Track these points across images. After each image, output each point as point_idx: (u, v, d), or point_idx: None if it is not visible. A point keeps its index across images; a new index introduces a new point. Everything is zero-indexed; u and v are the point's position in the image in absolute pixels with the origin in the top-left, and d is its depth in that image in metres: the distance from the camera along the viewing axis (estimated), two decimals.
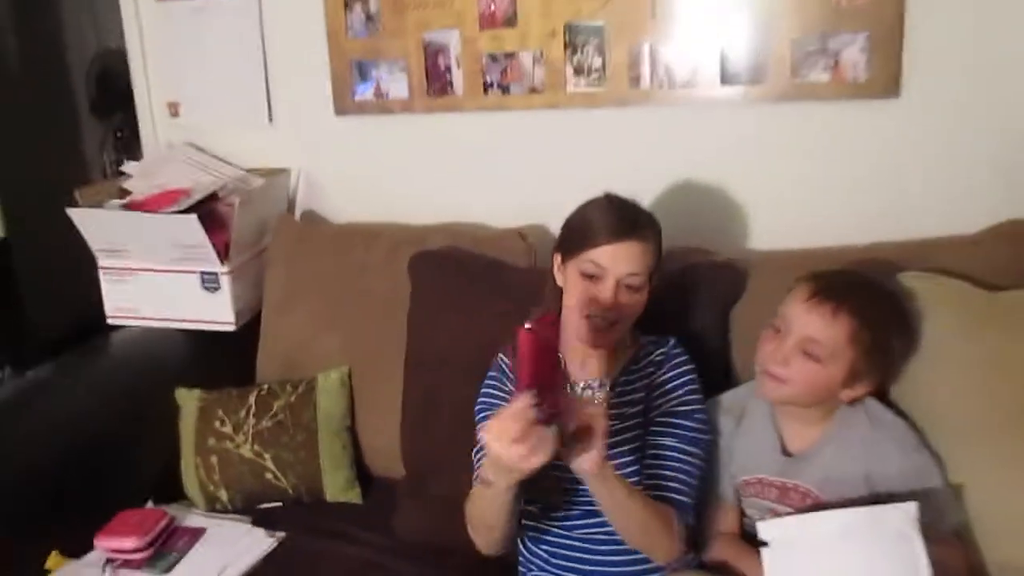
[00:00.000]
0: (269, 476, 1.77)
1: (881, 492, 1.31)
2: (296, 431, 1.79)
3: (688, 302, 1.63)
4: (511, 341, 1.42)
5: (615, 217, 1.35)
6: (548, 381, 1.09)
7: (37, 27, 3.62)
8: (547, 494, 1.38)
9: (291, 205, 2.20)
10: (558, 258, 1.41)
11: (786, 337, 1.33)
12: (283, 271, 1.98)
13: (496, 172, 2.01)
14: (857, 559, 1.16)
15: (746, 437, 1.44)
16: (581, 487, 1.34)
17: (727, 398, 1.48)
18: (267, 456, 1.77)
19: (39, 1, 3.60)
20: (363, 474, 1.85)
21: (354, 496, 1.80)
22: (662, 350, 1.44)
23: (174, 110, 2.26)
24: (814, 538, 1.18)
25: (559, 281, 1.41)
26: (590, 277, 1.34)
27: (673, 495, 1.32)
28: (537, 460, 1.08)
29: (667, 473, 1.33)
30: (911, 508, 1.16)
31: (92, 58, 3.71)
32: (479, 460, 1.44)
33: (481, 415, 1.46)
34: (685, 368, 1.43)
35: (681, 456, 1.35)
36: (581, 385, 1.42)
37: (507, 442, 1.06)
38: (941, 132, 1.71)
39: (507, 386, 1.45)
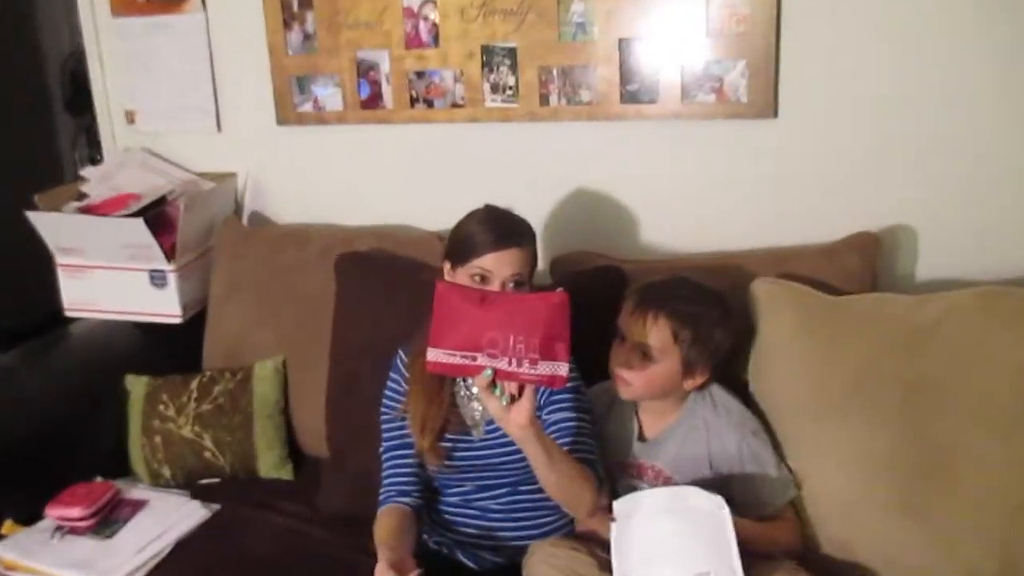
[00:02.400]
0: (208, 455, 1.97)
1: (723, 470, 1.52)
2: (234, 414, 1.98)
3: (579, 301, 1.81)
4: (413, 341, 1.63)
5: (498, 228, 1.52)
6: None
7: (12, 25, 3.75)
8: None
9: (239, 207, 2.38)
10: (447, 265, 1.58)
11: (625, 343, 1.54)
12: (226, 269, 2.17)
13: (421, 179, 2.19)
14: (673, 530, 1.36)
15: (613, 424, 1.64)
16: (474, 461, 1.55)
17: (599, 388, 1.67)
18: (206, 436, 1.96)
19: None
20: (296, 453, 2.04)
21: (286, 473, 2.00)
22: None
23: (131, 118, 2.43)
24: (643, 513, 1.38)
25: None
26: (480, 281, 1.52)
27: (585, 454, 1.49)
28: None
29: (572, 439, 1.51)
30: (717, 497, 1.36)
31: (67, 56, 3.84)
32: (387, 457, 1.63)
33: (384, 414, 1.65)
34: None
35: (579, 423, 1.54)
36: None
37: None
38: (812, 149, 1.90)
39: (402, 386, 1.63)
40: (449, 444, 1.58)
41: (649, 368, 1.52)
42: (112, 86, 2.44)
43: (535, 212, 2.03)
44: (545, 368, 1.31)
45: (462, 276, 1.53)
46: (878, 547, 1.48)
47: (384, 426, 1.65)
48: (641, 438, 1.60)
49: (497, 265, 1.50)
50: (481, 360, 1.31)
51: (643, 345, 1.52)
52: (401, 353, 1.68)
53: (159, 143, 2.41)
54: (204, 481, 1.99)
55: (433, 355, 1.34)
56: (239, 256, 2.16)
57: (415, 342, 1.64)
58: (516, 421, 1.34)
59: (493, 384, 1.33)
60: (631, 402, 1.61)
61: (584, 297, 1.79)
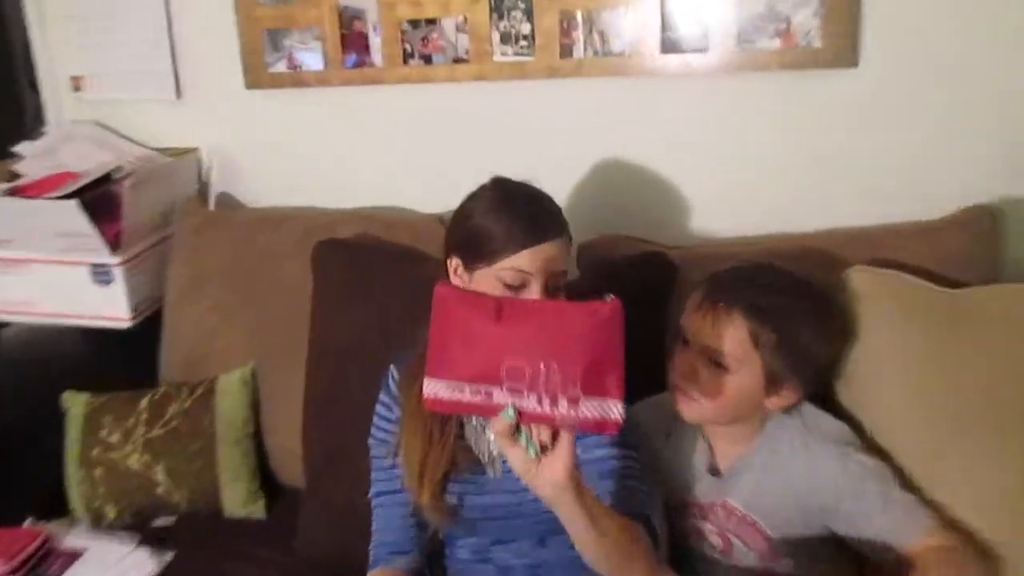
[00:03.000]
0: (160, 490, 1.61)
1: (821, 504, 1.17)
2: (191, 439, 1.63)
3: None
4: (408, 354, 1.27)
5: (532, 215, 1.16)
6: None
7: None
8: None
9: (203, 188, 2.02)
10: (457, 264, 1.22)
11: (689, 349, 1.19)
12: (186, 261, 1.81)
13: (419, 150, 1.84)
14: None
15: (675, 455, 1.28)
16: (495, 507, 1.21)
17: (653, 406, 1.31)
18: (158, 467, 1.61)
19: None
20: (269, 484, 1.69)
21: (256, 510, 1.64)
22: None
23: (77, 84, 2.07)
24: None
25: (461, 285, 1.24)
26: (514, 285, 1.15)
27: (635, 507, 1.14)
28: None
29: (617, 485, 1.17)
30: None
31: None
32: (377, 504, 1.29)
33: (375, 453, 1.31)
34: None
35: (625, 463, 1.19)
36: None
37: None
38: (904, 105, 1.54)
39: (394, 414, 1.28)
40: (458, 490, 1.23)
41: (721, 381, 1.17)
42: (55, 49, 2.08)
43: (555, 188, 1.62)
44: (590, 408, 0.94)
45: (486, 281, 1.16)
46: None
47: (373, 464, 1.31)
48: (713, 471, 1.25)
49: (536, 263, 1.14)
50: (499, 397, 0.95)
51: (713, 351, 1.17)
52: (393, 369, 1.32)
53: (111, 114, 2.06)
54: (157, 523, 1.64)
55: (432, 388, 0.97)
56: (202, 246, 1.81)
57: (410, 356, 1.29)
58: (549, 479, 0.97)
59: (517, 429, 0.97)
60: (696, 425, 1.25)
61: (623, 292, 1.46)
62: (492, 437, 1.25)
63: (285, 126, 1.93)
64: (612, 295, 0.96)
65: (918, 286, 1.27)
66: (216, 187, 2.03)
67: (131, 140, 2.02)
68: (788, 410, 1.21)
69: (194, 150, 1.99)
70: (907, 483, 1.18)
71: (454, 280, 1.22)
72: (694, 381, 1.19)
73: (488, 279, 1.15)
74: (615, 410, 0.94)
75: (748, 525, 1.22)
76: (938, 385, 1.21)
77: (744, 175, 1.64)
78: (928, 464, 1.19)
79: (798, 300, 1.19)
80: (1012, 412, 1.17)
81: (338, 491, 1.49)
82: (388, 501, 1.28)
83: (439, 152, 1.82)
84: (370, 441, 1.32)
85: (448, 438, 1.24)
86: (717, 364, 1.17)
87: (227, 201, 2.03)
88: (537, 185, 1.24)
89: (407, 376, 1.28)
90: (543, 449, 0.96)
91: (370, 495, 1.30)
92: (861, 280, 1.29)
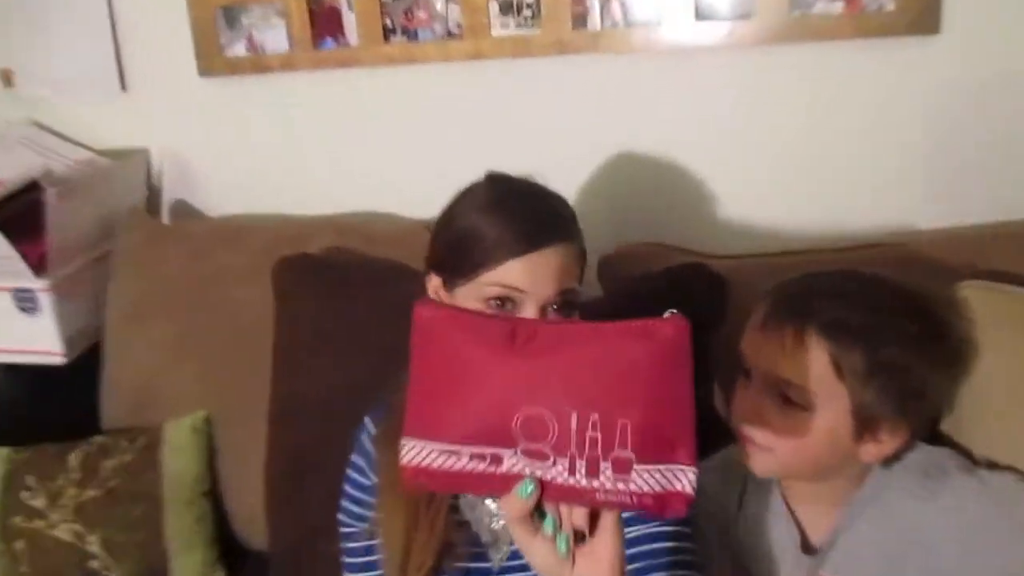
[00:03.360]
0: (96, 564, 1.33)
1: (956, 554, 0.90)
2: (134, 502, 1.35)
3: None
4: (388, 404, 1.00)
5: (522, 217, 0.89)
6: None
7: None
8: None
9: (155, 196, 1.74)
10: (436, 282, 0.95)
11: (754, 383, 0.93)
12: (130, 284, 1.52)
13: (403, 144, 1.57)
14: None
15: (752, 527, 1.00)
16: None
17: (717, 469, 1.03)
18: (92, 538, 1.33)
19: None
20: (231, 550, 1.41)
21: None
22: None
23: (8, 79, 1.79)
24: None
25: None
26: (501, 303, 0.89)
27: None
28: None
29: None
30: None
31: None
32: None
33: (346, 530, 1.03)
34: None
35: (676, 544, 0.91)
36: None
37: None
38: (997, 79, 1.27)
39: (371, 480, 1.00)
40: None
41: (797, 422, 0.90)
42: None
43: (567, 190, 1.35)
44: (648, 479, 0.67)
45: (468, 299, 0.90)
46: None
47: (344, 548, 1.02)
48: (806, 548, 0.97)
49: (531, 278, 0.87)
50: (512, 463, 0.68)
51: (784, 383, 0.90)
52: (369, 423, 1.04)
53: (48, 112, 1.78)
54: None
55: (413, 452, 0.69)
56: (147, 265, 1.53)
57: (392, 405, 1.01)
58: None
59: (539, 511, 0.68)
60: (775, 487, 0.98)
61: (654, 313, 1.18)
62: (495, 507, 0.98)
63: (246, 119, 1.65)
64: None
65: None
66: (169, 194, 1.75)
67: (72, 141, 1.74)
68: (889, 462, 0.93)
69: (141, 151, 1.71)
70: None
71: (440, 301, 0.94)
72: (762, 424, 0.91)
73: (470, 299, 0.89)
74: (685, 480, 0.67)
75: None
76: None
77: (799, 168, 1.37)
78: None
79: (895, 314, 0.91)
80: None
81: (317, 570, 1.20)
82: None
83: (427, 146, 1.55)
84: (339, 516, 1.04)
85: (440, 512, 0.96)
86: (789, 401, 0.90)
87: (183, 210, 1.75)
88: (543, 183, 0.97)
89: (387, 432, 1.00)
90: (578, 538, 0.70)
91: None
92: (974, 298, 1.00)
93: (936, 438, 1.01)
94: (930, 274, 1.09)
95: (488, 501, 0.99)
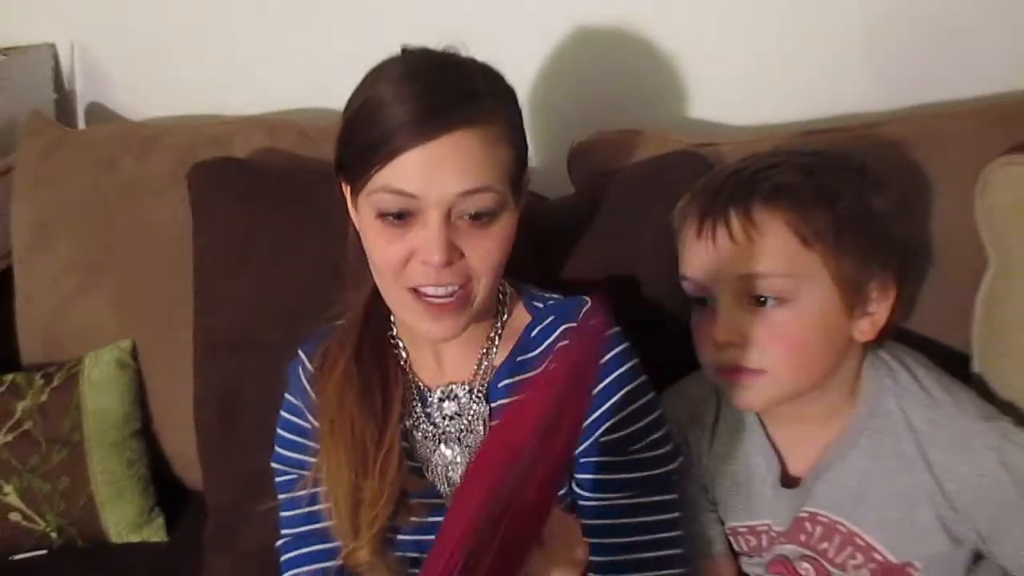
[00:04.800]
0: (16, 517, 1.19)
1: (962, 506, 0.79)
2: (53, 446, 1.20)
3: (623, 223, 1.02)
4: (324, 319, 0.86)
5: (416, 96, 0.72)
6: None
7: None
8: None
9: (65, 99, 1.54)
10: (346, 189, 0.79)
11: (718, 303, 0.80)
12: (32, 199, 1.33)
13: (342, 21, 1.35)
14: None
15: (725, 463, 0.87)
16: None
17: (687, 398, 0.90)
18: (8, 488, 1.18)
19: None
20: (170, 489, 1.28)
21: (153, 532, 1.24)
22: (571, 325, 0.82)
23: None
24: None
25: (357, 223, 0.79)
26: (396, 217, 0.73)
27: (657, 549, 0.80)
28: None
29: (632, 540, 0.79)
30: None
31: None
32: (288, 550, 0.88)
33: (281, 477, 0.89)
34: (617, 360, 0.82)
35: (649, 514, 0.80)
36: (437, 393, 0.83)
37: None
38: None
39: (309, 423, 0.86)
40: (413, 537, 0.82)
41: (780, 320, 0.78)
42: None
43: (531, 68, 1.28)
44: None
45: (365, 209, 0.75)
46: None
47: (283, 495, 0.89)
48: (786, 481, 0.86)
49: (426, 177, 0.71)
50: None
51: (749, 280, 0.78)
52: (303, 357, 0.89)
53: None
54: (20, 556, 1.21)
55: None
56: (52, 177, 1.33)
57: (328, 336, 0.87)
58: None
59: None
60: (753, 414, 0.86)
61: (638, 213, 1.02)
62: (450, 455, 0.84)
63: (168, 6, 1.43)
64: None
65: None
66: (83, 96, 1.55)
67: None
68: (879, 344, 0.83)
69: (46, 46, 1.50)
70: None
71: (352, 214, 0.80)
72: (744, 346, 0.79)
73: (366, 211, 0.75)
74: None
75: (850, 544, 0.82)
76: None
77: (781, 40, 1.20)
78: None
79: (831, 170, 0.82)
80: None
81: (244, 533, 1.07)
82: (305, 556, 0.86)
83: (369, 21, 1.33)
84: (273, 464, 0.89)
85: (391, 458, 0.82)
86: (762, 300, 0.78)
87: (100, 114, 1.55)
88: (498, 64, 0.79)
89: (326, 367, 0.85)
90: None
91: (278, 544, 0.88)
92: (1012, 178, 0.83)
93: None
94: (935, 156, 0.93)
95: (443, 447, 0.85)
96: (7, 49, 1.48)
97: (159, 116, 1.48)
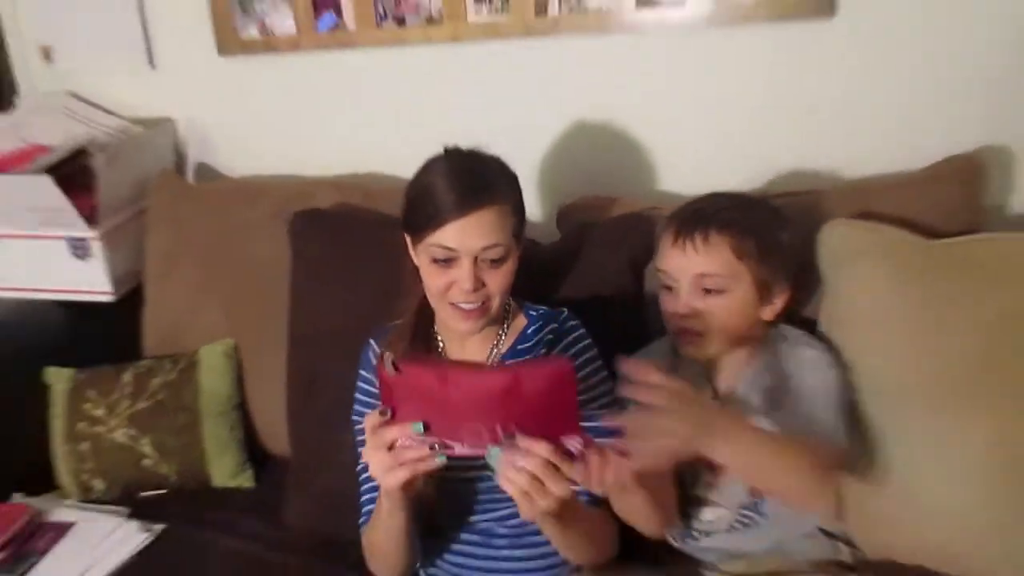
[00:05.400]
0: (148, 463, 1.62)
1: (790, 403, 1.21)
2: (177, 413, 1.63)
3: (598, 258, 1.46)
4: (388, 319, 1.29)
5: (457, 187, 1.13)
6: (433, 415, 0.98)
7: None
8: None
9: (180, 160, 2.00)
10: (408, 238, 1.22)
11: (680, 289, 1.22)
12: (164, 233, 1.79)
13: (394, 115, 1.81)
14: None
15: None
16: (478, 476, 1.22)
17: (653, 351, 1.33)
18: (144, 441, 1.61)
19: None
20: (257, 455, 1.70)
21: (245, 480, 1.65)
22: (553, 326, 1.27)
23: (47, 54, 2.03)
24: None
25: (415, 261, 1.22)
26: (443, 261, 1.15)
27: None
28: (399, 478, 1.00)
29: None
30: None
31: None
32: (364, 479, 1.29)
33: (358, 427, 1.29)
34: (582, 345, 1.26)
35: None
36: None
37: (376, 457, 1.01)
38: (882, 57, 1.51)
39: (373, 383, 1.28)
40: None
41: (720, 305, 1.20)
42: (25, 16, 2.03)
43: (534, 152, 1.72)
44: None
45: (422, 256, 1.17)
46: (998, 568, 1.14)
47: (357, 440, 1.30)
48: (714, 397, 1.27)
49: (462, 238, 1.12)
50: (460, 450, 0.98)
51: (703, 278, 1.20)
52: (373, 344, 1.31)
53: (83, 84, 2.02)
54: (145, 494, 1.64)
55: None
56: (178, 219, 1.79)
57: (390, 329, 1.29)
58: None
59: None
60: (697, 365, 1.27)
61: (605, 254, 1.46)
62: None
63: (260, 93, 1.90)
64: (566, 358, 1.08)
65: (902, 237, 1.26)
66: (194, 158, 2.01)
67: (104, 110, 1.97)
68: (776, 325, 1.26)
69: (169, 120, 1.96)
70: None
71: (412, 255, 1.22)
72: (695, 316, 1.21)
73: (424, 257, 1.16)
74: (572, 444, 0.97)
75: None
76: (928, 341, 1.20)
77: (726, 130, 1.62)
78: (914, 424, 1.20)
79: (762, 212, 1.24)
80: (1007, 370, 1.17)
81: (325, 474, 1.48)
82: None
83: (415, 115, 1.79)
84: (353, 416, 1.31)
85: None
86: (709, 291, 1.20)
87: (206, 172, 2.00)
88: (512, 148, 1.22)
89: (386, 348, 1.27)
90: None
91: (357, 470, 1.30)
92: (841, 234, 1.28)
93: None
94: (824, 216, 1.36)
95: None
96: (139, 120, 1.95)
97: (252, 175, 1.94)
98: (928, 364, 1.19)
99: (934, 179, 1.39)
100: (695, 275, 1.20)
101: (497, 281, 1.16)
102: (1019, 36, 1.43)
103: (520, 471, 0.95)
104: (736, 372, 1.26)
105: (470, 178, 1.14)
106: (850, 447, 1.17)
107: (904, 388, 1.20)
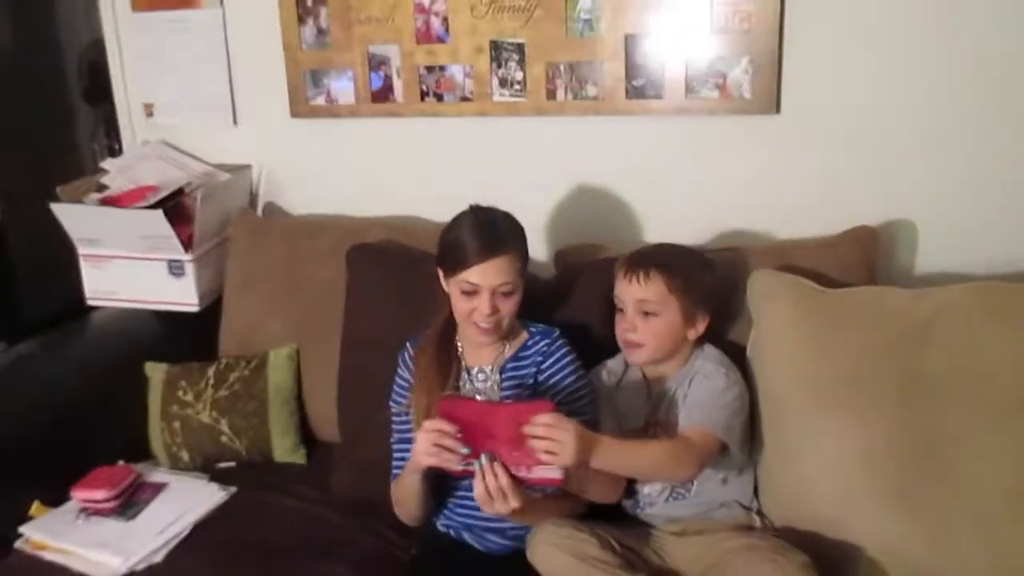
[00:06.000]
0: (224, 439, 2.03)
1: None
2: (249, 400, 2.05)
3: (583, 292, 1.87)
4: (421, 334, 1.72)
5: (480, 238, 1.56)
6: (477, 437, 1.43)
7: (30, 17, 3.81)
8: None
9: (254, 199, 2.43)
10: (440, 272, 1.65)
11: (627, 311, 1.63)
12: (241, 259, 2.22)
13: (432, 171, 2.24)
14: None
15: (623, 393, 1.70)
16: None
17: (610, 363, 1.75)
18: (223, 422, 2.03)
19: None
20: (309, 439, 2.11)
21: (299, 457, 2.06)
22: (547, 341, 1.69)
23: (149, 111, 2.49)
24: None
25: (446, 289, 1.65)
26: (469, 293, 1.58)
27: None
28: (429, 461, 1.45)
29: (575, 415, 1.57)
30: None
31: (84, 48, 3.89)
32: (396, 447, 1.70)
33: (394, 409, 1.72)
34: (568, 359, 1.68)
35: (582, 402, 1.65)
36: (476, 369, 1.68)
37: (424, 439, 1.45)
38: (813, 144, 1.93)
39: (407, 377, 1.70)
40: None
41: (654, 325, 1.61)
42: (131, 80, 2.49)
43: (539, 204, 2.12)
44: (539, 473, 1.42)
45: (453, 288, 1.60)
46: (868, 531, 1.52)
47: (393, 418, 1.72)
48: (649, 396, 1.68)
49: (483, 277, 1.56)
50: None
51: (642, 303, 1.61)
52: (408, 346, 1.73)
53: (176, 135, 2.47)
54: (221, 465, 2.05)
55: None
56: (254, 247, 2.22)
57: (420, 336, 1.71)
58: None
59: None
60: (639, 369, 1.69)
61: (590, 288, 1.88)
62: (478, 398, 1.68)
63: (322, 148, 2.33)
64: (549, 400, 1.48)
65: (805, 285, 1.67)
66: (264, 198, 2.44)
67: (194, 157, 2.42)
68: (701, 345, 1.68)
69: (247, 167, 2.40)
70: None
71: (443, 284, 1.65)
72: (635, 331, 1.62)
73: (455, 288, 1.59)
74: (556, 473, 1.41)
75: (672, 425, 1.62)
76: (816, 361, 1.61)
77: (689, 196, 2.03)
78: (806, 421, 1.60)
79: (693, 257, 1.67)
80: (872, 384, 1.57)
81: (366, 447, 1.87)
82: (402, 446, 1.69)
83: (447, 172, 2.22)
84: (390, 403, 1.73)
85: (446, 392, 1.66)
86: (647, 313, 1.61)
87: (272, 210, 2.44)
88: (522, 202, 1.67)
89: (418, 350, 1.71)
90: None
91: (391, 441, 1.72)
92: (762, 281, 1.70)
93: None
94: (750, 268, 1.78)
95: (478, 397, 1.67)
96: (223, 166, 2.39)
97: (312, 213, 2.36)
98: (816, 378, 1.59)
99: (840, 243, 1.81)
100: (636, 300, 1.61)
101: (507, 308, 1.59)
102: (923, 127, 1.85)
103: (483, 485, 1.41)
104: (668, 378, 1.67)
105: (491, 231, 1.58)
106: (727, 436, 1.56)
107: (800, 395, 1.60)
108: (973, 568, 1.45)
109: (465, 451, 1.42)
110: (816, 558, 1.42)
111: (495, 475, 1.40)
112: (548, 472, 1.40)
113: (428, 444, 1.43)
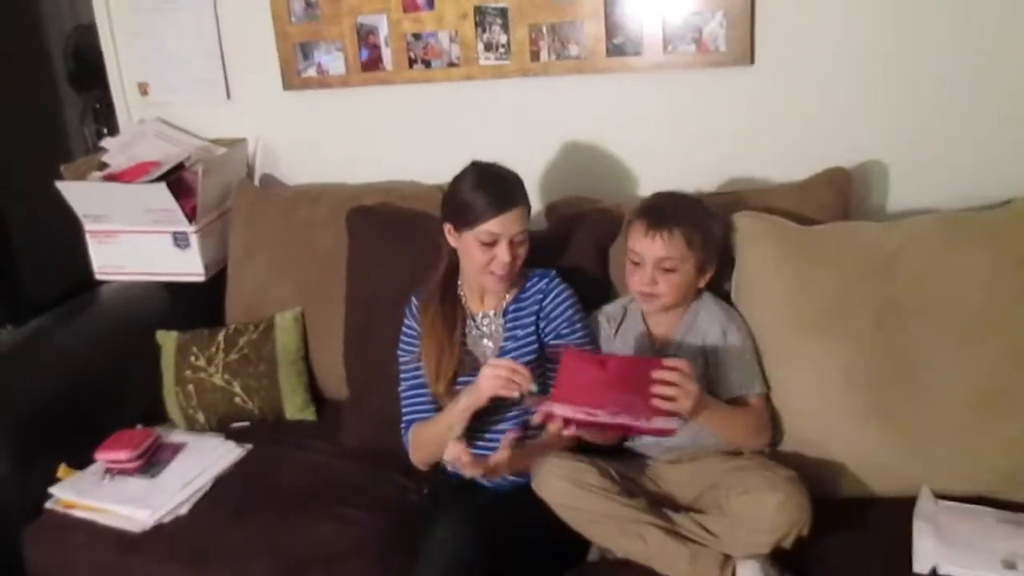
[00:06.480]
0: (238, 400, 2.13)
1: (709, 355, 1.71)
2: (259, 362, 2.14)
3: (575, 241, 1.97)
4: (423, 288, 1.81)
5: (497, 192, 1.66)
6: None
7: (14, 4, 3.84)
8: None
9: (251, 171, 2.51)
10: (449, 227, 1.73)
11: (645, 265, 1.70)
12: (243, 229, 2.31)
13: (422, 136, 2.32)
14: None
15: (623, 337, 1.80)
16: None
17: (607, 309, 1.85)
18: (235, 384, 2.12)
19: None
20: (317, 396, 2.20)
21: (309, 415, 2.16)
22: (545, 281, 1.79)
23: (144, 90, 2.55)
24: None
25: (452, 244, 1.74)
26: (488, 244, 1.67)
27: None
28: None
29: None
30: None
31: (68, 33, 3.91)
32: (407, 394, 1.80)
33: (403, 359, 1.82)
34: (566, 294, 1.78)
35: (580, 342, 1.75)
36: (480, 315, 1.78)
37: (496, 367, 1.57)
38: (787, 93, 2.03)
39: (415, 329, 1.80)
40: (464, 382, 1.72)
41: (674, 281, 1.69)
42: (124, 60, 2.55)
43: (528, 161, 2.18)
44: (659, 423, 1.51)
45: (470, 239, 1.68)
46: (848, 448, 1.64)
47: (401, 366, 1.81)
48: (652, 344, 1.77)
49: (503, 227, 1.65)
50: (602, 417, 1.49)
51: (664, 260, 1.68)
52: (414, 299, 1.83)
53: (172, 113, 2.53)
54: (235, 425, 2.15)
55: (560, 409, 1.52)
56: (255, 216, 2.30)
57: (423, 290, 1.80)
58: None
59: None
60: (640, 315, 1.78)
61: (581, 237, 1.97)
62: (488, 343, 1.77)
63: (316, 119, 2.41)
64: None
65: (783, 224, 1.77)
66: (260, 170, 2.51)
67: (190, 133, 2.49)
68: (700, 294, 1.77)
69: (243, 140, 2.47)
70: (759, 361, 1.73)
71: (449, 238, 1.73)
72: (654, 285, 1.69)
73: (470, 239, 1.68)
74: (673, 423, 1.50)
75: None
76: (795, 294, 1.72)
77: (671, 148, 2.13)
78: (788, 350, 1.71)
79: (700, 209, 1.74)
80: (847, 313, 1.68)
81: (373, 400, 1.98)
82: (412, 392, 1.79)
83: (438, 135, 2.30)
84: (398, 352, 1.83)
85: (455, 345, 1.75)
86: (666, 269, 1.68)
87: (269, 181, 2.51)
88: (512, 159, 1.75)
89: (423, 303, 1.80)
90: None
91: (399, 389, 1.82)
92: (745, 222, 1.80)
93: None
94: (738, 209, 1.87)
95: (485, 341, 1.78)
96: (219, 141, 2.46)
97: (309, 182, 2.44)
98: (797, 310, 1.70)
99: (816, 185, 1.91)
100: (657, 258, 1.67)
101: (521, 255, 1.70)
102: (891, 72, 1.95)
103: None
104: (672, 324, 1.76)
105: (504, 184, 1.68)
106: (765, 386, 1.68)
107: (782, 327, 1.71)
108: (944, 471, 1.58)
109: (535, 389, 1.55)
110: (801, 476, 1.53)
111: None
112: (665, 423, 1.49)
113: (496, 378, 1.56)
